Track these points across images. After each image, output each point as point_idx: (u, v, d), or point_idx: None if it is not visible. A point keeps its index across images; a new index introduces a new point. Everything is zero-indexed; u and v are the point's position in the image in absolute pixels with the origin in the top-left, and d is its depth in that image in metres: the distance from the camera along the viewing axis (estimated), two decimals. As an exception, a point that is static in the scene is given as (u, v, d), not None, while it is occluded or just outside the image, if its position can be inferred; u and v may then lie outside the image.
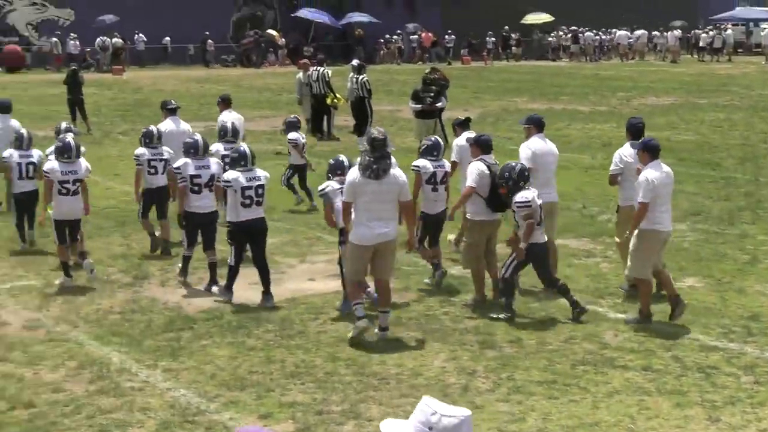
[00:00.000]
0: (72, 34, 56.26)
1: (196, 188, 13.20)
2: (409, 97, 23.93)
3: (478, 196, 12.17)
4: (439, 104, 22.71)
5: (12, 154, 15.28)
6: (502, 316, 11.73)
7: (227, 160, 13.54)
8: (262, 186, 12.45)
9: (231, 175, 12.36)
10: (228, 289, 12.64)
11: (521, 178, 11.64)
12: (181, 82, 46.64)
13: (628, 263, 11.86)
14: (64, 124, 16.02)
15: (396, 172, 11.02)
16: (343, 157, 12.61)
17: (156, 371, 10.20)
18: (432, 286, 13.17)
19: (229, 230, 12.64)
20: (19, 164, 15.12)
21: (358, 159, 11.26)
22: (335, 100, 27.84)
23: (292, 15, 62.25)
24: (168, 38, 59.42)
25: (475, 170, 12.22)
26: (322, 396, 9.52)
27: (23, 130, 15.90)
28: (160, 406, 9.31)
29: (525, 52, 66.81)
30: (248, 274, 13.44)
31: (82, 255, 13.65)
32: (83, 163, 13.73)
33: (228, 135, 15.25)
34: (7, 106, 18.63)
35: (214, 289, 12.94)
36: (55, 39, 55.81)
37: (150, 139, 15.09)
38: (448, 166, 13.21)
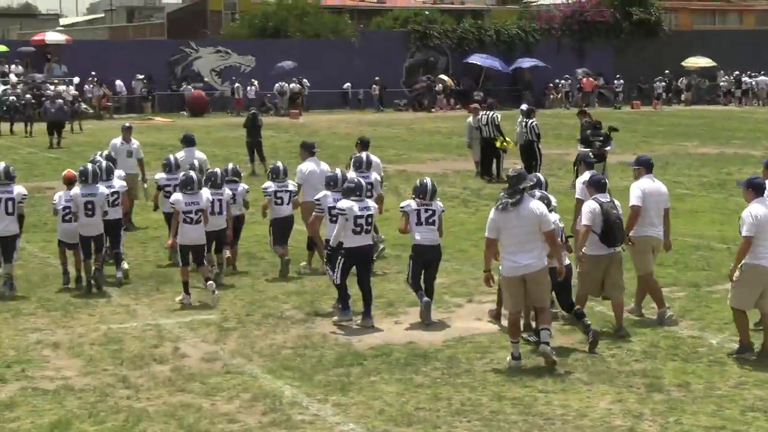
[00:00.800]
0: (252, 79, 57.75)
1: (334, 219, 13.72)
2: (577, 140, 23.78)
3: (593, 233, 12.48)
4: (607, 148, 22.50)
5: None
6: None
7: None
8: (371, 215, 13.38)
9: (345, 204, 13.24)
10: (345, 309, 13.42)
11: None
12: (354, 126, 47.24)
13: (730, 293, 11.95)
14: (231, 165, 16.87)
15: (533, 204, 11.43)
16: (427, 180, 13.70)
17: (326, 405, 10.29)
18: None
19: (329, 253, 13.67)
20: (212, 200, 15.38)
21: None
22: (504, 144, 27.79)
23: (464, 61, 62.55)
24: (349, 84, 60.38)
25: (587, 209, 12.60)
26: (488, 434, 9.45)
27: (211, 168, 16.45)
28: (330, 439, 9.39)
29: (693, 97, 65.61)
30: (415, 312, 13.52)
31: (207, 279, 14.61)
32: (205, 194, 14.85)
33: (363, 167, 15.93)
34: (192, 140, 19.50)
35: (334, 313, 13.65)
36: (237, 84, 57.38)
37: (276, 174, 16.35)
38: (553, 200, 13.16)
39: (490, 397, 10.44)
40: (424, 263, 13.55)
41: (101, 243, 15.45)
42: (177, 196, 14.80)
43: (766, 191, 11.80)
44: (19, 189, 15.40)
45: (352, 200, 13.27)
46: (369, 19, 72.37)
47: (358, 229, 13.19)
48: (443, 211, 13.81)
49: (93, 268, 15.42)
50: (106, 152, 18.76)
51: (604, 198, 12.69)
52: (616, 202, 12.84)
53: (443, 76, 62.24)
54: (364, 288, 13.43)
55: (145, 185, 20.76)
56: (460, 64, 63.25)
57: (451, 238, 18.18)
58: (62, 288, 15.47)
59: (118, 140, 21.13)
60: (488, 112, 28.63)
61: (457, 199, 23.92)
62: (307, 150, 17.11)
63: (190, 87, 57.03)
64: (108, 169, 16.12)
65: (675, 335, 12.56)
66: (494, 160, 28.21)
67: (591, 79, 63.45)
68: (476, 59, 61.57)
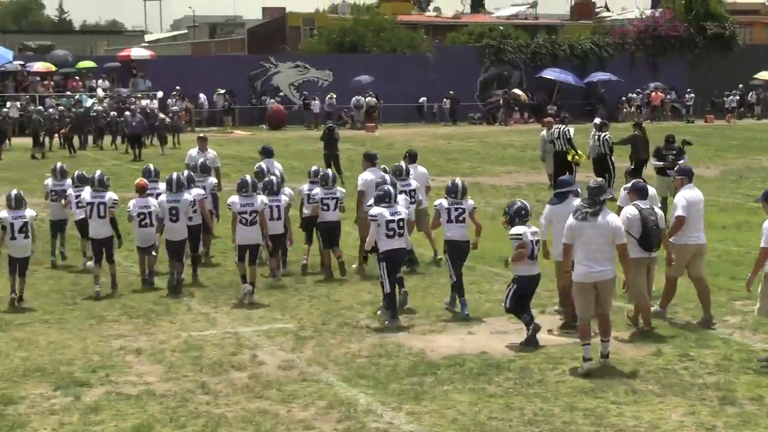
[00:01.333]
0: (331, 93, 58.06)
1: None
2: (651, 154, 23.61)
3: (631, 237, 12.76)
4: (680, 162, 22.26)
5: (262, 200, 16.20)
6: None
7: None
8: (402, 220, 13.85)
9: (376, 210, 13.84)
10: (393, 317, 13.80)
11: (517, 215, 12.88)
12: (429, 139, 47.27)
13: (758, 304, 12.17)
14: (314, 167, 17.77)
15: (610, 217, 11.83)
16: (458, 180, 14.58)
17: (400, 413, 10.28)
18: None
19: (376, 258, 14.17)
20: (270, 207, 16.06)
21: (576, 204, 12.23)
22: (576, 157, 27.58)
23: (537, 75, 62.32)
24: (424, 98, 60.50)
25: (625, 214, 13.09)
26: (560, 445, 9.37)
27: (273, 177, 16.91)
28: (403, 447, 9.36)
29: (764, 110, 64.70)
30: (492, 323, 13.48)
31: (252, 282, 15.40)
32: (259, 197, 15.64)
33: (402, 174, 16.62)
34: (271, 151, 20.11)
35: (379, 312, 14.06)
36: (315, 98, 57.75)
37: (325, 182, 16.81)
38: None
39: (562, 407, 10.36)
40: (458, 258, 14.28)
41: (181, 248, 16.06)
42: (233, 198, 15.59)
43: None
44: (110, 194, 16.29)
45: (383, 206, 13.81)
46: (444, 34, 72.41)
47: (391, 233, 13.72)
48: (474, 208, 14.53)
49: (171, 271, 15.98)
50: (201, 160, 19.40)
51: (644, 204, 13.07)
52: (656, 209, 13.28)
53: (517, 90, 62.07)
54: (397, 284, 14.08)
55: (218, 193, 21.02)
56: (533, 78, 63.05)
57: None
58: (143, 289, 16.08)
59: (194, 150, 21.66)
60: (561, 126, 28.45)
61: (530, 211, 23.73)
62: (369, 160, 17.59)
63: (273, 100, 57.51)
64: (189, 178, 16.77)
65: (749, 348, 12.37)
66: (566, 173, 27.98)
67: (659, 92, 62.88)
68: (550, 73, 61.28)
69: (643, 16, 72.08)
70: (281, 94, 58.95)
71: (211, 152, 21.55)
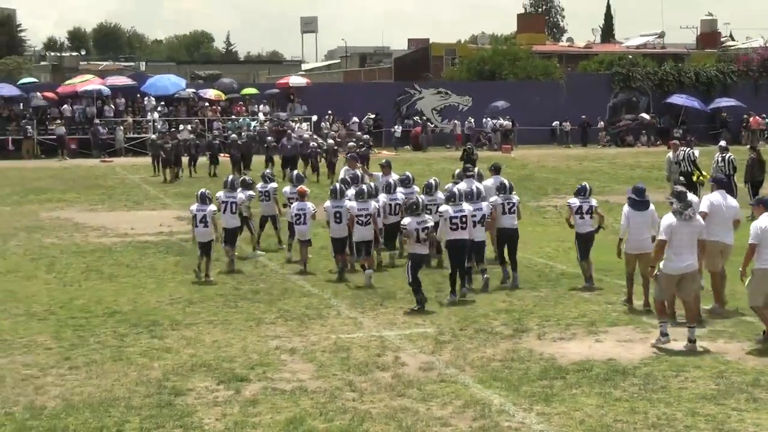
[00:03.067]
0: (470, 117, 58.14)
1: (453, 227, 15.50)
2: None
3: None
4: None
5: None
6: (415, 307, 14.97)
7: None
8: (465, 216, 15.35)
9: (443, 208, 15.51)
10: (453, 292, 15.46)
11: (409, 208, 15.48)
12: (562, 160, 46.79)
13: (748, 296, 12.91)
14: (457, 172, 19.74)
15: (699, 217, 12.98)
16: (505, 180, 17.43)
17: (531, 414, 10.20)
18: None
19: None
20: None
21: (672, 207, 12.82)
22: (701, 177, 27.02)
23: (665, 101, 61.23)
24: (557, 122, 60.02)
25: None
26: (682, 448, 9.16)
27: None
28: (533, 445, 9.29)
29: None
30: (618, 332, 13.27)
31: (364, 267, 17.30)
32: (373, 202, 17.57)
33: (474, 198, 16.41)
34: (390, 165, 20.91)
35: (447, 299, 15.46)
36: (455, 121, 57.83)
37: (429, 190, 18.25)
38: (594, 202, 16.80)
39: (685, 412, 10.13)
40: (506, 241, 16.93)
41: (344, 244, 17.73)
42: (352, 203, 17.42)
43: None
44: (240, 195, 18.99)
45: (450, 205, 15.37)
46: (576, 62, 71.74)
47: (454, 227, 15.23)
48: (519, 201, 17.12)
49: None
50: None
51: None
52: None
53: (645, 115, 61.08)
54: (461, 271, 15.58)
55: None
56: (660, 103, 61.96)
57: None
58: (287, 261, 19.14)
59: (344, 168, 22.35)
60: (686, 149, 27.91)
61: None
62: (465, 175, 19.17)
63: (417, 121, 57.75)
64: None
65: None
66: (692, 193, 27.39)
67: (758, 117, 61.05)
68: (676, 99, 60.18)
69: (767, 45, 70.14)
70: (418, 118, 59.06)
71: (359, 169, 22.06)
